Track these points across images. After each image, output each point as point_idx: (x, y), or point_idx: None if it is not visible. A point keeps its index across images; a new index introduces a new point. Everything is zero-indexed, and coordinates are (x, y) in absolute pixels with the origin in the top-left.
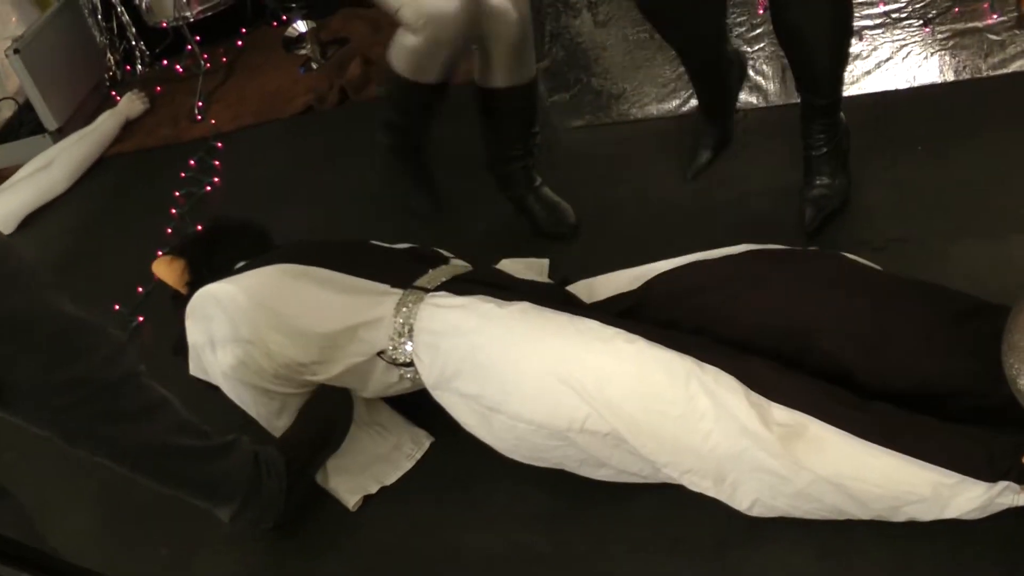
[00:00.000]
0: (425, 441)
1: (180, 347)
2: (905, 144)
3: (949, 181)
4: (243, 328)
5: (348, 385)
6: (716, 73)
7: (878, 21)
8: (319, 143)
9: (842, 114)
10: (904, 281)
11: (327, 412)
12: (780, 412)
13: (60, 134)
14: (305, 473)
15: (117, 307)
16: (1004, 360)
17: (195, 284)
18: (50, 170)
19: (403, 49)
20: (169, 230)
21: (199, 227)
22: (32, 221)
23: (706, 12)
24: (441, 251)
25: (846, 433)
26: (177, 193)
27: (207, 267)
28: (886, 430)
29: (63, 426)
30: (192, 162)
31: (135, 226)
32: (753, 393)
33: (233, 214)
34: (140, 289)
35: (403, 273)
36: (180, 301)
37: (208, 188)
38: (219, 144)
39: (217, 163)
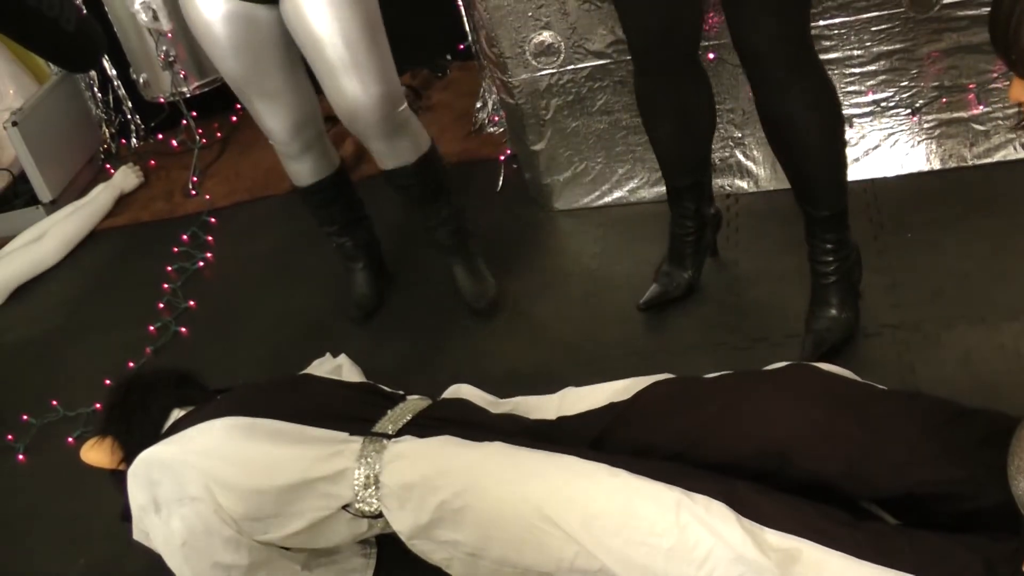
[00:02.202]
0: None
1: (128, 514)
2: (895, 230)
3: (939, 268)
4: (191, 486)
5: (311, 542)
6: (694, 200)
7: (867, 110)
8: (312, 221)
9: (854, 240)
10: (877, 391)
11: None
12: (774, 537)
13: (54, 206)
14: None
15: (108, 382)
16: (1013, 483)
17: (130, 457)
18: (42, 242)
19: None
20: (161, 304)
21: (110, 395)
22: (23, 293)
23: (697, 112)
24: (394, 391)
25: (842, 554)
26: (170, 268)
27: (138, 435)
28: (882, 547)
29: None
30: (185, 237)
31: (127, 300)
32: (745, 519)
33: (148, 368)
34: (131, 364)
35: (360, 418)
36: (119, 476)
37: (201, 263)
38: (212, 219)
39: (210, 238)
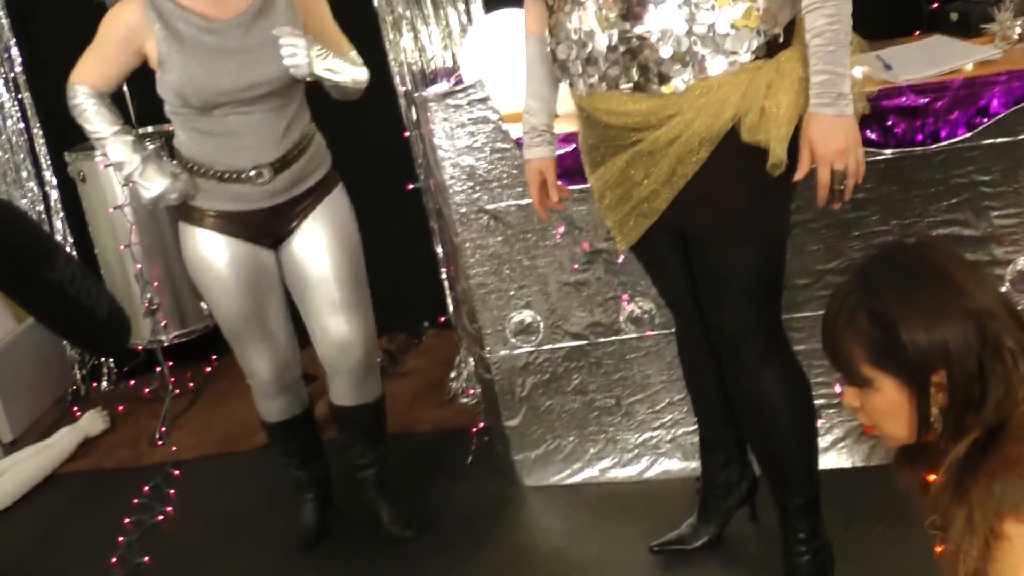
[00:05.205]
0: None
1: None
2: (866, 521)
3: (913, 558)
4: None
5: None
6: (724, 454)
7: (835, 401)
8: (277, 481)
9: (829, 540)
10: None
11: None
12: None
13: (13, 446)
14: None
15: None
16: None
17: None
18: None
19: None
20: (114, 559)
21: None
22: None
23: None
24: None
25: None
26: (127, 520)
27: None
28: None
29: None
30: (146, 488)
31: (80, 551)
32: None
33: None
34: None
35: None
36: None
37: (160, 517)
38: (176, 472)
39: (172, 492)
